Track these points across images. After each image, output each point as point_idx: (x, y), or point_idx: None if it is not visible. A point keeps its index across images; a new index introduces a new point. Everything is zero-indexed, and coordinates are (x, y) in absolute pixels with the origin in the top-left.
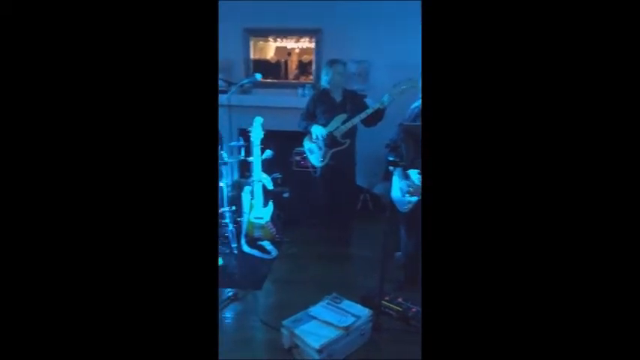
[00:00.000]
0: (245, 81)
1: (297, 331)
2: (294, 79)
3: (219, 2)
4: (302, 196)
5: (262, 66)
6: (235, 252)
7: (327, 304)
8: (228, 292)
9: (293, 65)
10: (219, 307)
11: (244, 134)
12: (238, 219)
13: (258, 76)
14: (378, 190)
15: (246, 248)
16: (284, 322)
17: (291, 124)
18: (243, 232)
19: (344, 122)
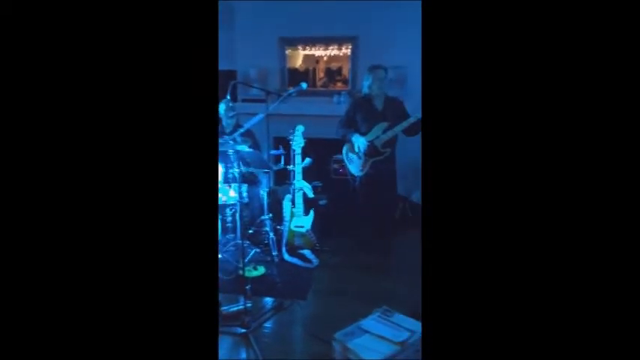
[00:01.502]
0: (291, 91)
1: (350, 345)
2: (322, 87)
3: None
4: (340, 205)
5: (291, 74)
6: (276, 260)
7: (379, 317)
8: (273, 301)
9: (320, 73)
10: (264, 317)
11: (284, 142)
12: (278, 227)
13: (304, 85)
14: (416, 197)
15: (287, 257)
16: (336, 335)
17: (326, 131)
18: (284, 240)
19: (384, 131)
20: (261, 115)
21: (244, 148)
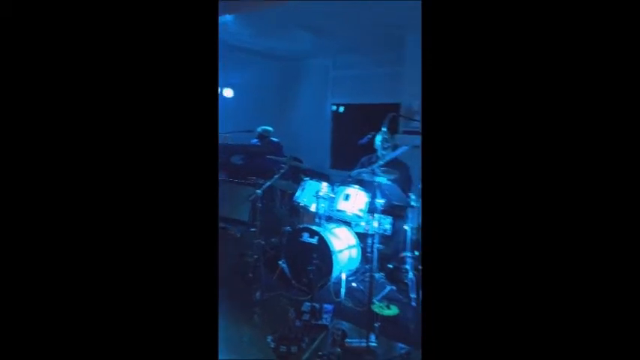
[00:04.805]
0: None
1: None
2: None
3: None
4: None
5: None
6: (414, 304)
7: None
8: (401, 348)
9: None
10: None
11: None
12: (420, 267)
13: None
14: None
15: None
16: None
17: None
18: None
19: None
20: (404, 148)
21: (383, 180)
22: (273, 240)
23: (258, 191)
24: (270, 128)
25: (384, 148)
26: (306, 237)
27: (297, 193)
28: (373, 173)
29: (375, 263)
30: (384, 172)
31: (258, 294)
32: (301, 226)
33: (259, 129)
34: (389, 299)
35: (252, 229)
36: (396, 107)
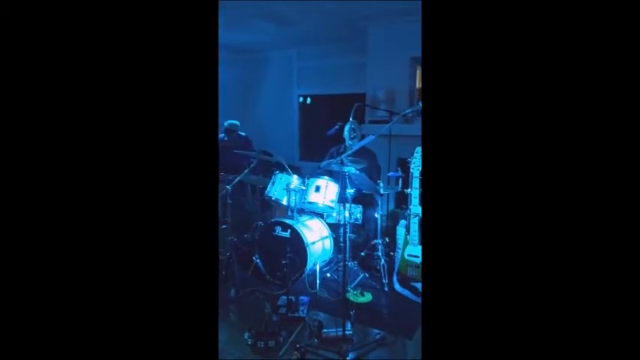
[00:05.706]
0: (408, 110)
1: None
2: None
3: (386, 29)
4: None
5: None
6: (386, 289)
7: None
8: (376, 333)
9: None
10: (364, 349)
11: (403, 164)
12: (391, 253)
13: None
14: None
15: (397, 287)
16: None
17: None
18: (396, 268)
19: None
20: (371, 137)
21: (352, 169)
22: (245, 236)
23: (228, 187)
24: (237, 122)
25: (352, 138)
26: (278, 231)
27: (268, 187)
28: (342, 163)
29: (347, 252)
30: (352, 161)
31: (232, 291)
32: (273, 220)
33: (226, 123)
34: (362, 286)
35: (224, 226)
36: (361, 97)
